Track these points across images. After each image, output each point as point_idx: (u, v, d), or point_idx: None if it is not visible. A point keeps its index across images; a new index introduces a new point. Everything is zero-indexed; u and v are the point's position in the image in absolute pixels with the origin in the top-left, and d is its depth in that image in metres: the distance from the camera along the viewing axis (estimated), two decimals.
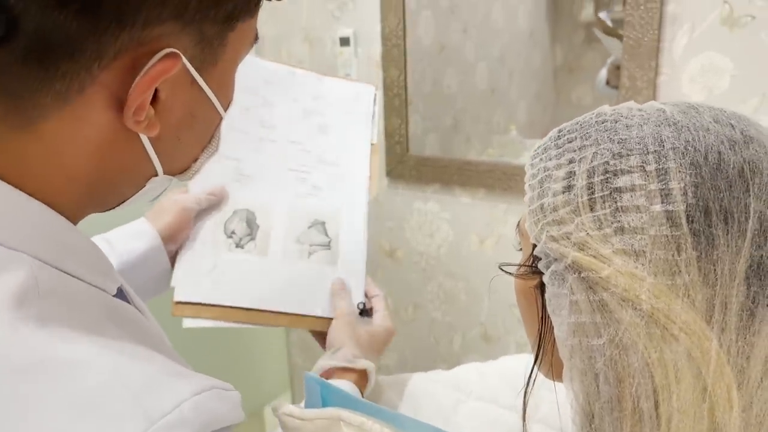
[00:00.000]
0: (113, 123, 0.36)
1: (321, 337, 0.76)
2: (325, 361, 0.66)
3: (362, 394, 0.66)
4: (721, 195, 0.34)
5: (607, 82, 1.17)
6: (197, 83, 0.38)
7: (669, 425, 0.33)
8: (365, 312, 0.74)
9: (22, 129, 0.34)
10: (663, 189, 0.34)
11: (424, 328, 1.39)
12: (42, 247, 0.36)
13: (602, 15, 1.14)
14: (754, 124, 0.37)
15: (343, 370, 0.66)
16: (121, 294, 0.43)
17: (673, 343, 0.33)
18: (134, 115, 0.35)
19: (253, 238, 0.75)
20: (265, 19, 1.41)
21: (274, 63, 0.80)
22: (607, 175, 0.36)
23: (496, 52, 1.36)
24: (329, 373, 0.66)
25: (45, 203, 0.36)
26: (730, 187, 0.34)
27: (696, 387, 0.33)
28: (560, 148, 0.39)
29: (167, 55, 0.34)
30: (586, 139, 0.38)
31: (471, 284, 1.29)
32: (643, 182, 0.35)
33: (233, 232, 0.75)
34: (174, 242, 0.72)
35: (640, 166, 0.35)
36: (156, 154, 0.39)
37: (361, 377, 0.67)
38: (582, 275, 0.36)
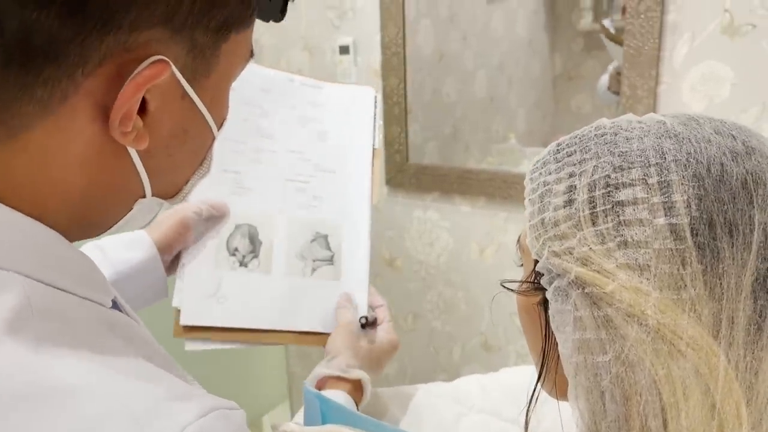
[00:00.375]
0: (100, 135, 0.34)
1: None
2: (320, 369, 0.66)
3: (358, 405, 0.65)
4: (725, 207, 0.33)
5: (609, 88, 1.17)
6: (189, 96, 0.36)
7: None
8: (369, 324, 0.74)
9: (5, 140, 0.33)
10: (666, 202, 0.34)
11: (424, 338, 1.38)
12: (33, 264, 0.34)
13: (606, 22, 1.14)
14: (756, 134, 0.37)
15: (337, 380, 0.65)
16: (115, 305, 0.42)
17: (681, 359, 0.33)
18: (120, 125, 0.33)
19: (256, 255, 0.74)
20: (264, 27, 1.41)
21: (272, 70, 0.78)
22: (609, 189, 0.35)
23: (496, 60, 1.36)
24: (323, 382, 0.66)
25: (33, 219, 0.35)
26: (734, 199, 0.34)
27: (705, 404, 0.33)
28: (560, 162, 0.39)
29: (156, 62, 0.33)
30: (586, 153, 0.37)
31: (471, 293, 1.28)
32: (646, 195, 0.34)
33: (236, 250, 0.74)
34: (170, 252, 0.71)
35: (642, 179, 0.35)
36: (146, 171, 0.38)
37: (356, 388, 0.66)
38: (586, 291, 0.35)
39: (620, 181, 0.35)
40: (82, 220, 0.38)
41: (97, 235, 0.41)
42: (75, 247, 0.38)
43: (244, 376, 1.50)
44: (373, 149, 0.79)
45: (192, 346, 0.72)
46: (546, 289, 0.38)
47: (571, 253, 0.36)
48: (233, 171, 0.75)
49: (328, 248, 0.77)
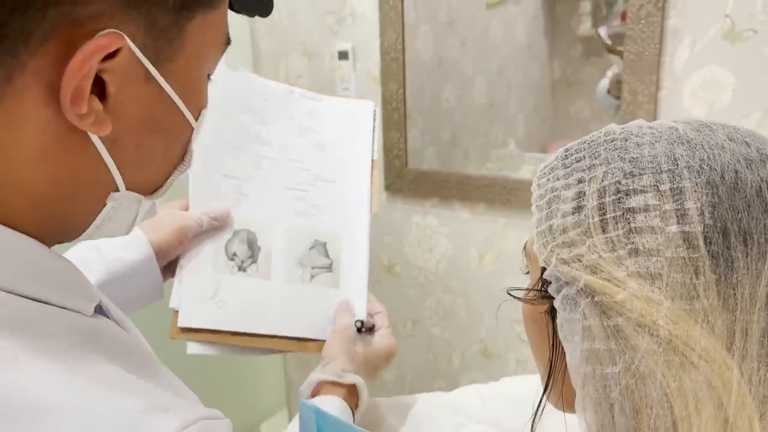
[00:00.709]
0: (55, 121, 0.32)
1: None
2: (315, 375, 0.65)
3: (354, 411, 0.64)
4: (740, 215, 0.33)
5: (608, 91, 1.16)
6: (154, 80, 0.34)
7: None
8: (367, 330, 0.73)
9: None
10: (678, 209, 0.33)
11: (423, 345, 1.37)
12: (0, 273, 0.32)
13: (601, 30, 1.14)
14: None
15: (333, 385, 0.64)
16: (100, 310, 0.40)
17: (693, 371, 0.32)
18: (73, 106, 0.31)
19: (255, 261, 0.74)
20: (263, 33, 1.40)
21: (273, 81, 0.79)
22: (619, 195, 0.35)
23: (495, 66, 1.36)
24: (319, 387, 0.65)
25: None
26: (749, 207, 0.33)
27: (717, 418, 0.32)
28: (568, 167, 0.38)
29: (106, 35, 0.30)
30: (596, 158, 0.37)
31: (470, 300, 1.27)
32: (657, 202, 0.33)
33: (235, 254, 0.74)
34: (166, 257, 0.70)
35: (654, 185, 0.34)
36: (115, 163, 0.35)
37: (351, 393, 0.65)
38: (595, 299, 0.34)
39: (631, 187, 0.34)
40: (54, 220, 0.35)
41: (77, 235, 0.38)
42: (51, 251, 0.36)
43: (241, 383, 1.48)
44: (372, 160, 0.79)
45: (194, 349, 0.72)
46: (553, 298, 0.37)
47: (580, 261, 0.35)
48: (233, 176, 0.75)
49: (327, 256, 0.77)
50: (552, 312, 0.38)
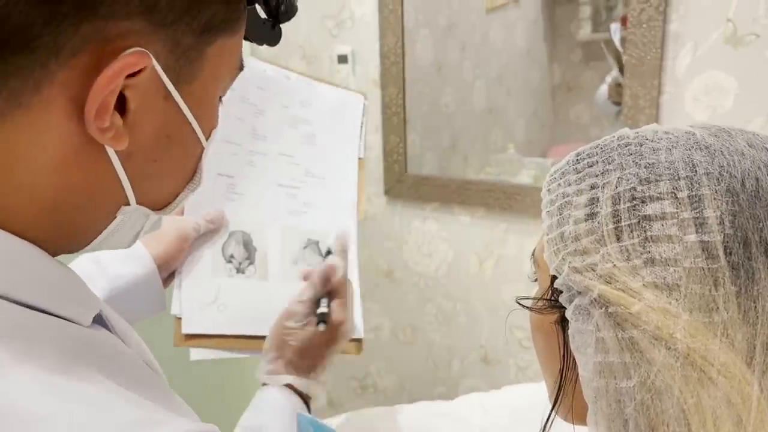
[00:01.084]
0: (77, 134, 0.32)
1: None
2: (260, 375, 0.64)
3: (307, 403, 0.63)
4: (761, 225, 0.32)
5: (608, 98, 1.16)
6: (172, 98, 0.35)
7: None
8: (323, 321, 0.68)
9: None
10: (697, 218, 0.32)
11: (422, 351, 1.36)
12: None
13: (613, 30, 1.12)
14: None
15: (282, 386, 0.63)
16: (100, 321, 0.40)
17: (711, 387, 0.31)
18: (97, 119, 0.32)
19: (252, 262, 0.74)
20: None
21: (271, 65, 0.78)
22: (635, 202, 0.33)
23: (494, 70, 1.36)
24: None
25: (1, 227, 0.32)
26: None
27: None
28: (580, 172, 0.37)
29: (134, 54, 0.31)
30: (609, 164, 0.36)
31: (470, 306, 1.26)
32: (675, 210, 0.32)
33: (232, 257, 0.74)
34: (167, 269, 0.70)
35: (671, 192, 0.33)
36: (128, 177, 0.35)
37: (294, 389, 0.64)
38: (609, 310, 0.33)
39: (647, 194, 0.33)
40: (60, 229, 0.35)
41: (82, 246, 0.38)
42: (49, 257, 0.36)
43: (240, 388, 1.47)
44: (359, 159, 0.79)
45: (197, 355, 0.71)
46: (564, 308, 0.36)
47: (593, 270, 0.34)
48: (227, 175, 0.75)
49: (320, 254, 0.77)
50: (563, 322, 0.37)
